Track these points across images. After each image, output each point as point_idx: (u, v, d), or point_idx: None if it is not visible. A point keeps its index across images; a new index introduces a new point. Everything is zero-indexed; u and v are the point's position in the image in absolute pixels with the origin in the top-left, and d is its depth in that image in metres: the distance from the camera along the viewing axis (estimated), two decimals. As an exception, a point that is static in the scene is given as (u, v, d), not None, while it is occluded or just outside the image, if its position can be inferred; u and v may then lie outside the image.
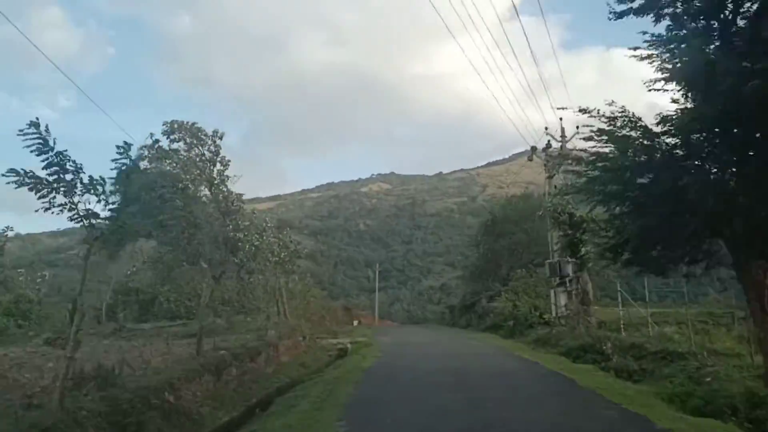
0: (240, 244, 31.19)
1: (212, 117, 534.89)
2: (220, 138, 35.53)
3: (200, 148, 34.93)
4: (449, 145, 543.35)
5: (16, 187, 12.62)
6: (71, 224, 13.94)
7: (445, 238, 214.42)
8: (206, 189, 32.71)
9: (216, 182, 33.38)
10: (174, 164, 31.16)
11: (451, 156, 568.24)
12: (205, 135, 35.18)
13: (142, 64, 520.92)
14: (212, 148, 35.33)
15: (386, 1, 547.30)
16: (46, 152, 12.86)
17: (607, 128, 15.73)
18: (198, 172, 32.45)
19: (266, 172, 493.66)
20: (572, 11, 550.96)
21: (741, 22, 12.74)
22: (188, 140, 34.76)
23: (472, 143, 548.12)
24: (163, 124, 34.76)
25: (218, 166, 34.90)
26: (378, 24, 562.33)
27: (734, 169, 14.11)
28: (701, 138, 14.19)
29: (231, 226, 30.79)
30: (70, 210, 13.56)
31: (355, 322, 73.74)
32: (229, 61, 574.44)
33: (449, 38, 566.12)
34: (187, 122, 35.14)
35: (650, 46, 14.46)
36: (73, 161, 13.23)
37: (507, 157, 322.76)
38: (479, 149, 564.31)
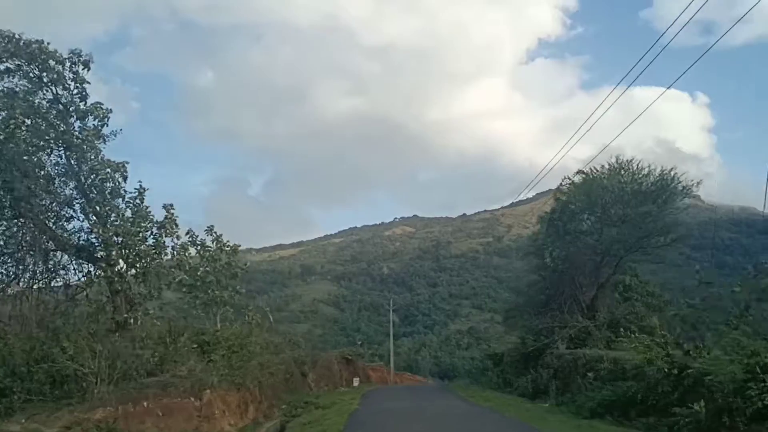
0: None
1: (236, 168, 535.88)
2: (85, 66, 21.55)
3: (52, 87, 21.24)
4: (472, 187, 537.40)
5: None
6: None
7: (471, 279, 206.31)
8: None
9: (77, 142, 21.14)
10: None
11: (475, 198, 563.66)
12: (57, 60, 20.97)
13: (166, 118, 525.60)
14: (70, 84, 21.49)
15: (405, 49, 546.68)
16: None
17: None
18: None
19: (289, 219, 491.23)
20: (590, 52, 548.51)
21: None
22: (27, 69, 20.75)
23: (495, 185, 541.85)
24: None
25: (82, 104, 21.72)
26: (398, 72, 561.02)
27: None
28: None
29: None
30: None
31: (356, 381, 52.29)
32: (252, 112, 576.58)
33: (469, 83, 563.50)
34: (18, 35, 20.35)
35: None
36: None
37: (531, 196, 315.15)
38: (503, 190, 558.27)
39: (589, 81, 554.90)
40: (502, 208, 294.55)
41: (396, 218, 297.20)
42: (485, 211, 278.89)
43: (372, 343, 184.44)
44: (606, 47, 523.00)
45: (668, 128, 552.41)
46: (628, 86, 20.28)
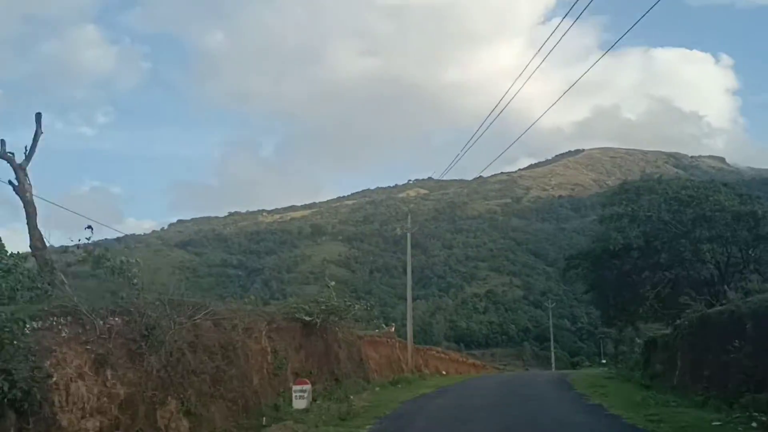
0: None
1: (248, 130, 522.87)
2: None
3: None
4: (489, 149, 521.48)
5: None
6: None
7: (489, 241, 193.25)
8: None
9: None
10: None
11: (492, 160, 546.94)
12: None
13: (177, 80, 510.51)
14: None
15: (420, 8, 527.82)
16: None
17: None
18: None
19: (302, 181, 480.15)
20: (610, 12, 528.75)
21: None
22: None
23: (513, 147, 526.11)
24: None
25: None
26: (413, 32, 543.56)
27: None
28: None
29: None
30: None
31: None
32: (264, 74, 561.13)
33: (484, 43, 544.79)
34: None
35: None
36: None
37: (550, 158, 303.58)
38: (521, 152, 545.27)
39: (607, 41, 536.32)
40: (520, 170, 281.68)
41: (410, 180, 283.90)
42: (502, 173, 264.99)
43: (385, 305, 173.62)
44: (626, 7, 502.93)
45: (688, 90, 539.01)
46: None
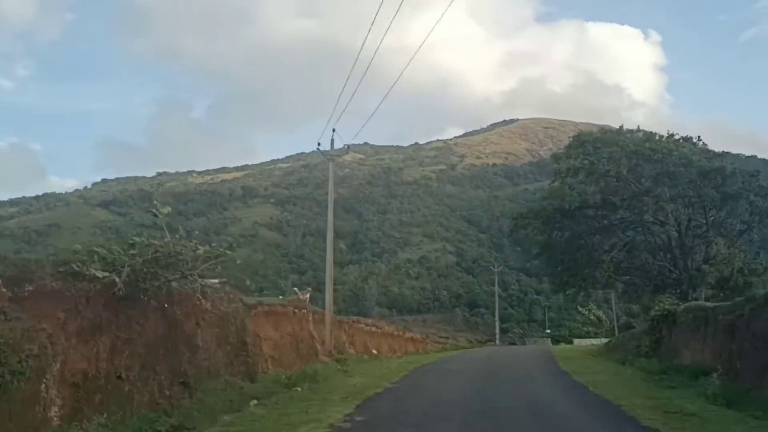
0: None
1: (178, 90, 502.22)
2: None
3: None
4: (425, 117, 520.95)
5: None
6: None
7: (423, 207, 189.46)
8: None
9: None
10: None
11: (427, 128, 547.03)
12: None
13: (103, 34, 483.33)
14: None
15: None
16: None
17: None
18: None
19: (235, 143, 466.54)
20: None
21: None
22: None
23: (448, 115, 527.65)
24: None
25: None
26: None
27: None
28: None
29: None
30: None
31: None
32: (196, 31, 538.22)
33: (422, 10, 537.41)
34: None
35: None
36: None
37: (485, 126, 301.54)
38: (456, 121, 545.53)
39: (545, 14, 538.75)
40: (455, 137, 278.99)
41: (346, 145, 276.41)
42: (438, 140, 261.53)
43: (317, 270, 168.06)
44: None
45: (614, 64, 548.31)
46: None
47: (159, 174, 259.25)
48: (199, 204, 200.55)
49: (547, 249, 42.24)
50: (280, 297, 24.26)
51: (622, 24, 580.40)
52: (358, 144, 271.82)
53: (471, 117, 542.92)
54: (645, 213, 36.66)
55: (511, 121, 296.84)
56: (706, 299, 36.85)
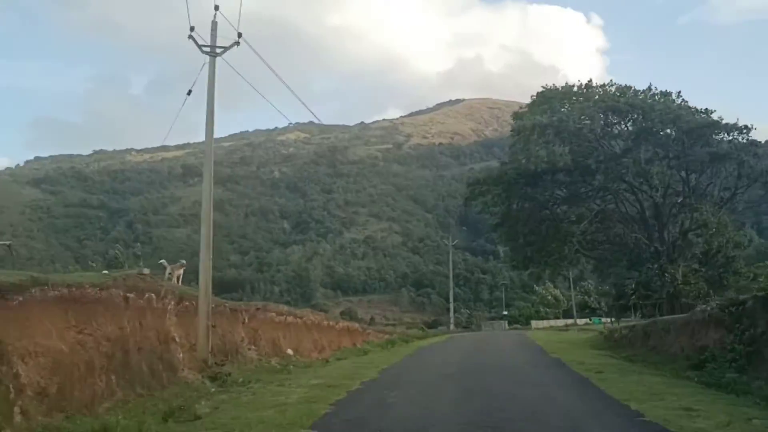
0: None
1: (116, 66, 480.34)
2: None
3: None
4: (371, 96, 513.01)
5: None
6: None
7: (369, 186, 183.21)
8: None
9: None
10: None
11: (373, 107, 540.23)
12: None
13: (35, 6, 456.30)
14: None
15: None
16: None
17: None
18: None
19: (176, 121, 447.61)
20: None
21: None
22: None
23: (394, 94, 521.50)
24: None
25: None
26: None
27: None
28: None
29: None
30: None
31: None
32: (133, 5, 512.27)
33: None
34: None
35: None
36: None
37: (431, 106, 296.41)
38: (401, 101, 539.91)
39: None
40: (401, 117, 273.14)
41: (291, 124, 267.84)
42: (384, 119, 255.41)
43: (260, 250, 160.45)
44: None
45: (553, 46, 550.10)
46: None
47: (96, 152, 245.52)
48: (137, 183, 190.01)
49: (508, 220, 36.38)
50: (105, 272, 14.39)
51: (565, 7, 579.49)
52: (303, 123, 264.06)
53: (415, 97, 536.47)
54: (624, 177, 31.21)
55: (457, 101, 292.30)
56: (688, 274, 31.75)
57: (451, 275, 71.12)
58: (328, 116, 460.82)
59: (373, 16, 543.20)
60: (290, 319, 14.58)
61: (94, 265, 61.07)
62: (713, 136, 31.89)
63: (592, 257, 38.77)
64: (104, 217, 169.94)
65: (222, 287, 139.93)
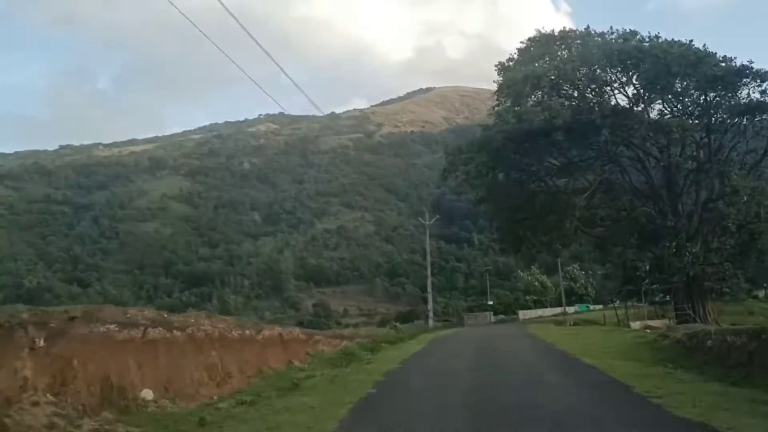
0: None
1: (82, 60, 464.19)
2: None
3: None
4: (341, 86, 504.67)
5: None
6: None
7: (341, 176, 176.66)
8: None
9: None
10: None
11: (343, 98, 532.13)
12: None
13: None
14: None
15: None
16: None
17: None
18: None
19: (143, 115, 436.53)
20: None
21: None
22: None
23: (365, 84, 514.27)
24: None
25: None
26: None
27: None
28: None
29: None
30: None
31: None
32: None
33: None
34: None
35: None
36: None
37: (402, 95, 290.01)
38: (373, 90, 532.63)
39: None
40: (372, 106, 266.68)
41: (261, 115, 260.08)
42: (355, 109, 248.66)
43: (230, 242, 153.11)
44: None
45: (520, 33, 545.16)
46: None
47: (62, 147, 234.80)
48: (103, 177, 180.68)
49: (494, 194, 30.31)
50: None
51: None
52: (274, 114, 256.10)
53: (386, 86, 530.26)
54: (634, 135, 25.38)
55: (428, 89, 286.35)
56: (710, 253, 26.00)
57: (428, 259, 60.51)
58: (298, 107, 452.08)
59: (339, 5, 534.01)
60: (156, 333, 7.69)
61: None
62: (741, 86, 26.30)
63: (595, 236, 32.99)
64: (69, 212, 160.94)
65: (191, 281, 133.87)
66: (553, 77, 26.53)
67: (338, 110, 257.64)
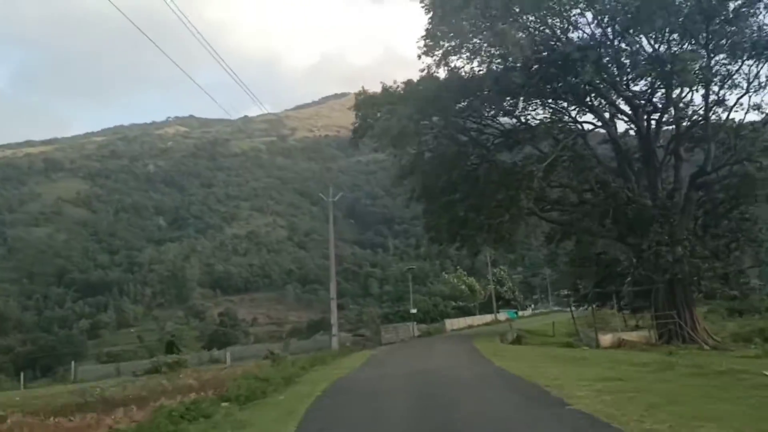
0: None
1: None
2: None
3: None
4: (255, 89, 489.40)
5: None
6: None
7: (252, 180, 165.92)
8: None
9: None
10: None
11: (257, 101, 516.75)
12: None
13: None
14: None
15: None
16: None
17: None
18: None
19: (43, 116, 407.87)
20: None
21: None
22: None
23: (279, 88, 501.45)
24: None
25: None
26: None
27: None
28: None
29: None
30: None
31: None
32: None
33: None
34: None
35: None
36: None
37: (317, 100, 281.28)
38: (287, 94, 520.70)
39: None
40: (286, 110, 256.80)
41: (169, 118, 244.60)
42: (269, 113, 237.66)
43: (131, 249, 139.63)
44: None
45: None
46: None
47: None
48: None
49: (424, 162, 22.36)
50: None
51: None
52: (183, 117, 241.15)
53: (300, 91, 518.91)
54: (620, 55, 18.11)
55: (343, 94, 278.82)
56: (696, 244, 19.02)
57: (332, 248, 39.57)
58: (210, 110, 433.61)
59: (252, 11, 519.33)
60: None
61: None
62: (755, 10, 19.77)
63: (556, 222, 25.63)
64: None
65: (86, 290, 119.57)
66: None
67: (251, 114, 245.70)
